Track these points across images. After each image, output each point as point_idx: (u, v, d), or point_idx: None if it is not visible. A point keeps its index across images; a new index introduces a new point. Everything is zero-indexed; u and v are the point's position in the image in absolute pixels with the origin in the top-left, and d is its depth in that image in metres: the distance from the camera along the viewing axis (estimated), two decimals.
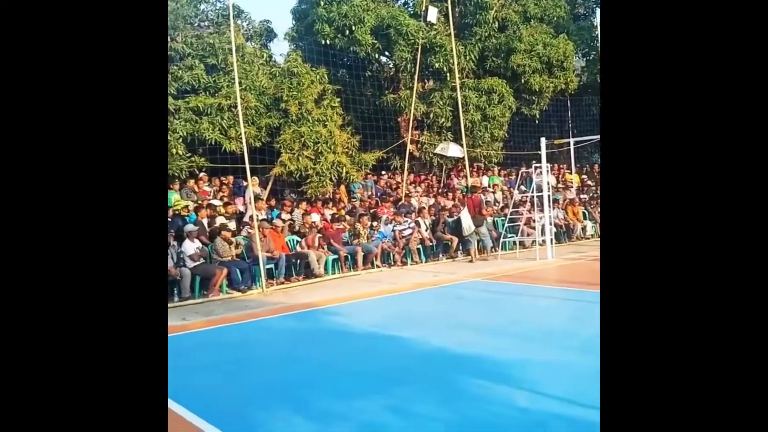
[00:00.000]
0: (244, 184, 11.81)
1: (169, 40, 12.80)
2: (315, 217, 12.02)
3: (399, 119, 16.71)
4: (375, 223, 12.57)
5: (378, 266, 11.76)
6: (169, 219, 10.24)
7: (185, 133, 12.03)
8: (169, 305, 8.70)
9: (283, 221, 11.42)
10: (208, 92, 12.95)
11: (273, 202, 12.66)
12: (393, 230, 12.35)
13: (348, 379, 4.90)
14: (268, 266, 10.09)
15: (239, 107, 10.44)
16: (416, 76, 15.35)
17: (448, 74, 15.68)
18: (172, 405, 4.40)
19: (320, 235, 11.35)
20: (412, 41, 15.47)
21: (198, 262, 9.46)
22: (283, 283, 10.26)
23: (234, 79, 10.89)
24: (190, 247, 9.47)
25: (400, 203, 13.91)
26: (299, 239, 11.30)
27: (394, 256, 12.17)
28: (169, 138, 11.66)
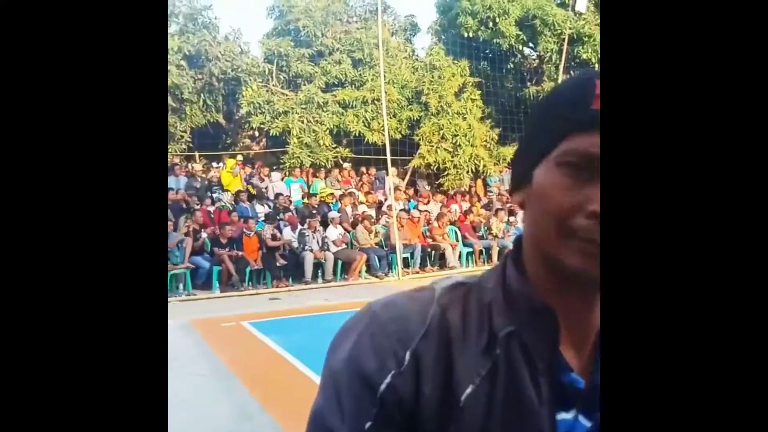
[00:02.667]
0: (385, 174, 12.22)
1: (320, 35, 13.55)
2: (452, 209, 12.11)
3: None
4: (512, 219, 12.37)
5: None
6: (316, 205, 10.92)
7: (332, 125, 12.72)
8: (313, 286, 9.31)
9: (420, 212, 11.66)
10: (353, 86, 13.54)
11: (411, 193, 12.96)
12: None
13: None
14: (404, 255, 10.38)
15: (383, 100, 10.79)
16: (561, 67, 14.78)
17: (596, 65, 14.89)
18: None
19: (455, 228, 11.43)
20: (559, 31, 14.90)
21: (340, 248, 9.99)
22: (418, 272, 10.50)
23: (378, 72, 11.28)
24: (334, 233, 10.03)
25: None
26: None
27: None
28: (317, 129, 12.41)
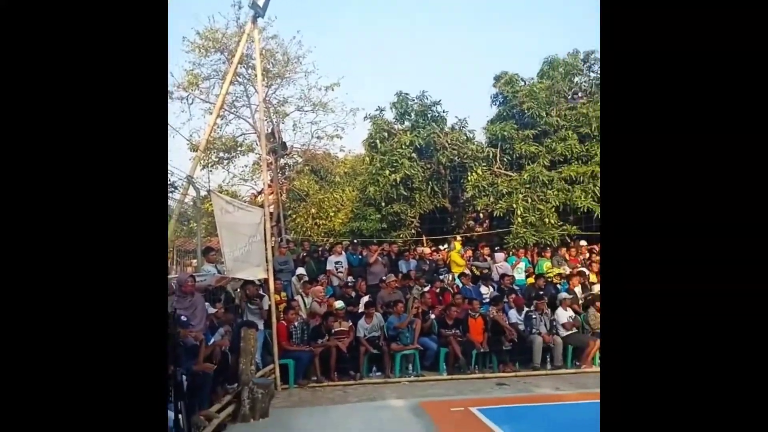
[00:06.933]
0: None
1: (544, 115, 13.57)
2: None
3: None
4: None
5: None
6: (542, 286, 10.56)
7: (558, 203, 12.41)
8: (542, 372, 8.86)
9: None
10: (580, 161, 13.15)
11: None
12: None
13: None
14: None
15: None
16: None
17: None
18: None
19: None
20: None
21: (571, 331, 9.42)
22: None
23: None
24: (563, 315, 9.53)
25: None
26: None
27: None
28: (542, 208, 12.23)
